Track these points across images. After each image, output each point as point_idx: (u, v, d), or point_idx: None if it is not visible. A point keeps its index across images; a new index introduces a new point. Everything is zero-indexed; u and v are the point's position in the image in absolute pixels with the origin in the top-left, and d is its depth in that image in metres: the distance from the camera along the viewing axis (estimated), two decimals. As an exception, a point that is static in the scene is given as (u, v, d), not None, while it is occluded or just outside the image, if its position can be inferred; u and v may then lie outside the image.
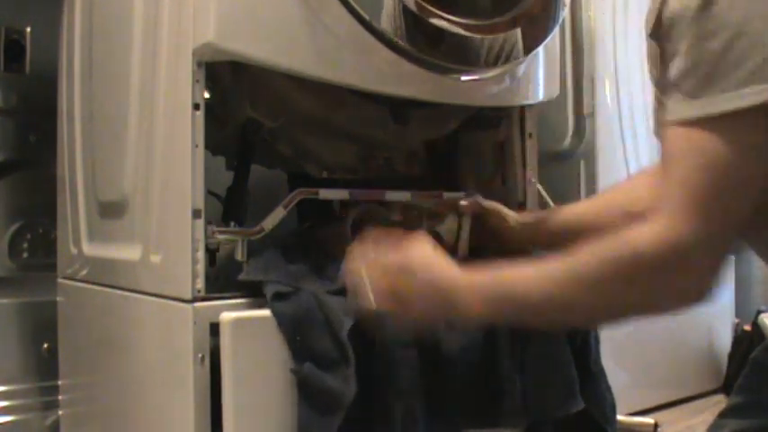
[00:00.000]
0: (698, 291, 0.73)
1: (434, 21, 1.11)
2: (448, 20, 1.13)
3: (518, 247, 1.15)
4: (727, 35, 0.68)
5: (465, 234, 1.13)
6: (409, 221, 1.19)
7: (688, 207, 0.70)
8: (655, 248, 0.71)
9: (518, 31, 1.22)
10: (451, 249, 1.13)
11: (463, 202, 1.16)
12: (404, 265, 0.87)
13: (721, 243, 0.71)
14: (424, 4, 1.09)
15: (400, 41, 1.10)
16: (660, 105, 0.90)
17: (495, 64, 1.22)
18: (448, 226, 1.15)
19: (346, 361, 0.93)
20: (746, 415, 0.83)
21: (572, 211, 1.11)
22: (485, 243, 1.16)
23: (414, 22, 1.11)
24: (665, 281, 0.72)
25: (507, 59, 1.23)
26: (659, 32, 0.76)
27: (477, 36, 1.19)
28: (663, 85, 0.84)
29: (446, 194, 1.29)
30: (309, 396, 0.95)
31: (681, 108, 0.71)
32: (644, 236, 0.72)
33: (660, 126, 0.92)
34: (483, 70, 1.23)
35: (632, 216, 0.99)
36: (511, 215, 1.15)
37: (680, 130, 0.71)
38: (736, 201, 0.70)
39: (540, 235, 1.13)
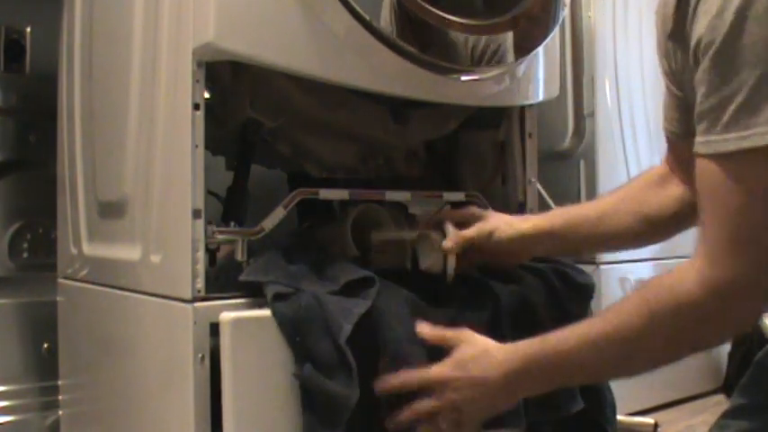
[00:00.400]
0: (744, 323, 0.75)
1: (433, 21, 1.11)
2: (447, 20, 1.13)
3: (519, 257, 1.13)
4: (760, 68, 0.66)
5: (451, 261, 1.08)
6: (393, 254, 1.16)
7: (726, 248, 0.70)
8: (698, 295, 0.71)
9: (508, 34, 1.22)
10: (440, 274, 1.10)
11: (446, 244, 1.08)
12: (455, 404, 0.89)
13: (764, 277, 0.71)
14: (423, 4, 1.09)
15: (400, 41, 1.10)
16: (671, 97, 0.90)
17: (478, 64, 1.22)
18: (435, 260, 1.10)
19: (347, 366, 0.93)
20: (749, 416, 0.83)
21: (578, 214, 1.08)
22: (484, 258, 1.13)
23: (406, 21, 1.11)
24: (714, 322, 0.73)
25: (491, 61, 1.23)
26: (683, 37, 0.74)
27: (470, 36, 1.19)
28: (680, 81, 0.83)
29: (446, 194, 1.29)
30: (312, 400, 0.95)
31: (712, 140, 0.69)
32: (687, 284, 0.72)
33: (668, 120, 0.92)
34: (483, 70, 1.23)
35: (649, 219, 0.99)
36: (495, 228, 1.09)
37: (712, 164, 0.70)
38: None
39: (543, 243, 1.09)
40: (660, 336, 0.76)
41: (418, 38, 1.13)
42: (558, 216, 1.10)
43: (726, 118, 0.68)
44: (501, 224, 1.09)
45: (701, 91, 0.70)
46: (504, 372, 0.85)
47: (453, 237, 1.08)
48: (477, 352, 0.89)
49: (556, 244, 1.09)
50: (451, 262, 1.08)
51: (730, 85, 0.67)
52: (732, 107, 0.67)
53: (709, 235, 0.72)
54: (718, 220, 0.70)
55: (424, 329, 0.95)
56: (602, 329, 0.79)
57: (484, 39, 1.22)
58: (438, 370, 0.90)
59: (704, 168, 0.71)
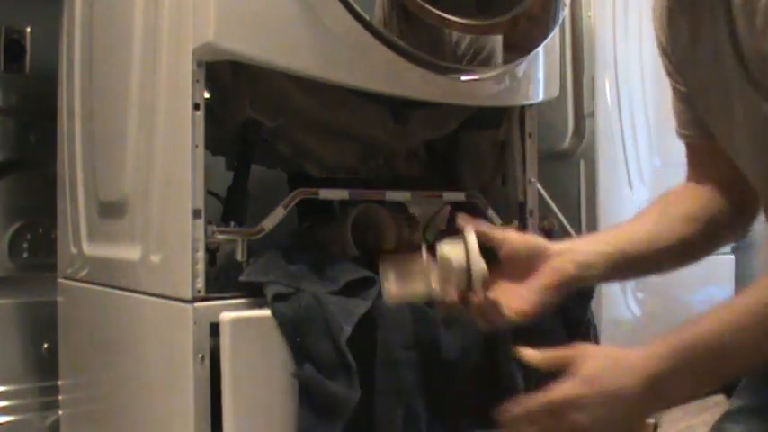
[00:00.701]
0: None
1: (433, 21, 1.11)
2: (447, 20, 1.13)
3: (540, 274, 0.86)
4: None
5: (473, 248, 0.83)
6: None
7: None
8: None
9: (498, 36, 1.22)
10: (465, 270, 0.84)
11: (464, 226, 0.86)
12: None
13: None
14: (423, 4, 1.10)
15: (400, 41, 1.10)
16: (678, 96, 0.85)
17: (459, 63, 1.22)
18: (452, 243, 0.85)
19: (347, 366, 0.93)
20: (749, 419, 0.82)
21: (612, 230, 0.91)
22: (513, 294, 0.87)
23: (402, 18, 1.12)
24: None
25: (472, 61, 1.22)
26: None
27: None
28: (682, 73, 0.79)
29: (446, 194, 1.29)
30: (311, 400, 0.95)
31: None
32: None
33: (683, 125, 0.86)
34: (483, 70, 1.23)
35: (695, 218, 0.87)
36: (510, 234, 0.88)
37: None
38: None
39: (566, 257, 0.86)
40: None
41: (412, 34, 1.13)
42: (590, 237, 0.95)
43: None
44: (517, 234, 0.90)
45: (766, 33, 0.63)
46: (646, 377, 0.70)
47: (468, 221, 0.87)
48: (606, 363, 0.73)
49: (586, 262, 0.86)
50: (470, 238, 0.84)
51: None
52: None
53: None
54: None
55: (530, 354, 0.78)
56: (752, 306, 0.67)
57: (468, 38, 1.22)
58: (562, 389, 0.73)
59: None
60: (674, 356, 0.70)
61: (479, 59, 1.23)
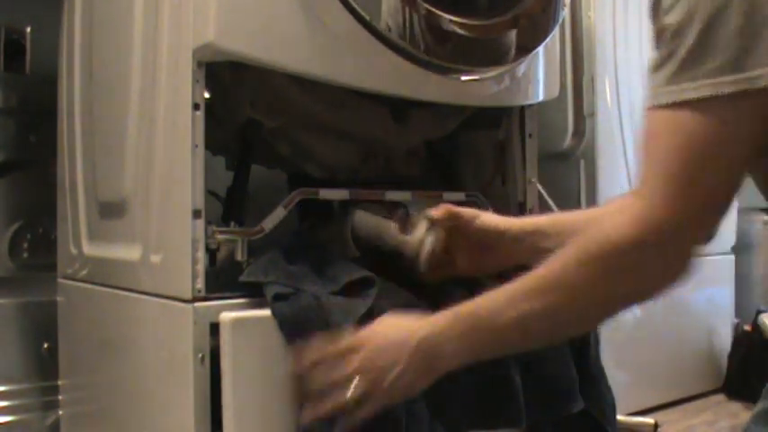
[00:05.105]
0: (680, 270, 0.70)
1: (432, 20, 1.11)
2: (447, 19, 1.13)
3: (508, 254, 1.02)
4: (702, 23, 0.65)
5: (428, 245, 1.03)
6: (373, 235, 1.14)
7: (665, 187, 0.67)
8: (633, 232, 0.68)
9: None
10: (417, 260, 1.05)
11: (432, 212, 1.04)
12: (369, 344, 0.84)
13: (702, 220, 0.69)
14: (424, 4, 1.10)
15: (400, 41, 1.10)
16: None
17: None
18: (417, 236, 1.05)
19: None
20: None
21: (566, 215, 1.02)
22: (471, 257, 1.06)
23: (420, 22, 1.12)
24: (648, 263, 0.70)
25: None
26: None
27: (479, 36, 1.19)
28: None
29: (446, 194, 1.29)
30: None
31: (658, 94, 0.68)
32: (622, 222, 0.69)
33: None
34: (483, 70, 1.23)
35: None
36: (482, 214, 1.03)
37: (657, 112, 0.68)
38: (715, 178, 0.68)
39: (528, 239, 1.00)
40: (592, 282, 0.72)
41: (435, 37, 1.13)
42: (545, 216, 1.06)
43: (671, 72, 0.68)
44: (487, 214, 1.05)
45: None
46: (417, 337, 0.80)
47: (439, 208, 1.04)
48: (388, 323, 0.86)
49: (543, 242, 0.98)
50: (430, 236, 1.03)
51: (675, 41, 0.68)
52: (676, 61, 0.68)
53: (649, 177, 0.69)
54: (660, 161, 0.69)
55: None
56: (533, 280, 0.75)
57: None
58: (345, 339, 0.85)
59: (650, 117, 0.70)
60: (447, 322, 0.80)
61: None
